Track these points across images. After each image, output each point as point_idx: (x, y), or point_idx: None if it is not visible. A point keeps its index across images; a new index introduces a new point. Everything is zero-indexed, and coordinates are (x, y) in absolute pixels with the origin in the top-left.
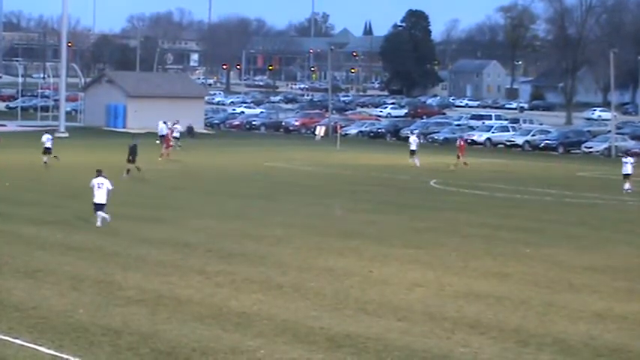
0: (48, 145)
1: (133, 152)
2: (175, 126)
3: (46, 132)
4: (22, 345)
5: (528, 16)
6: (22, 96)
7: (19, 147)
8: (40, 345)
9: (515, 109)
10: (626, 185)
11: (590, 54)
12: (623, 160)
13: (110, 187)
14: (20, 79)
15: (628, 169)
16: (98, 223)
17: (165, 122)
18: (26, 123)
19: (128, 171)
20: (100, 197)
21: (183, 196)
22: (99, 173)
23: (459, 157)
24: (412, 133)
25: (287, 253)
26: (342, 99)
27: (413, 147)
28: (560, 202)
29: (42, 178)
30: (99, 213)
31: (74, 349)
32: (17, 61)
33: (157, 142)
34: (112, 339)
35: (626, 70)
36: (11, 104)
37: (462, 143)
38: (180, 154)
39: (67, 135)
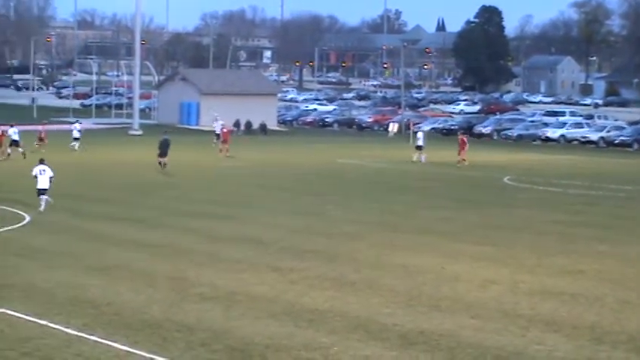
0: (15, 137)
1: (163, 146)
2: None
3: (11, 126)
4: (97, 341)
5: (602, 12)
6: (97, 94)
7: (95, 144)
8: (115, 341)
9: (589, 105)
10: None
11: None
12: None
13: (52, 174)
14: (94, 77)
15: None
16: (41, 208)
17: (216, 120)
18: (101, 120)
19: (162, 165)
20: (42, 183)
21: (256, 193)
22: (41, 162)
23: (459, 153)
24: (419, 128)
25: (360, 249)
26: (415, 95)
27: (420, 142)
28: (635, 198)
29: (112, 175)
30: (42, 197)
31: (148, 345)
32: (91, 59)
33: (214, 143)
34: (186, 335)
35: None
36: (86, 102)
37: (464, 139)
38: (237, 151)
39: (140, 133)
